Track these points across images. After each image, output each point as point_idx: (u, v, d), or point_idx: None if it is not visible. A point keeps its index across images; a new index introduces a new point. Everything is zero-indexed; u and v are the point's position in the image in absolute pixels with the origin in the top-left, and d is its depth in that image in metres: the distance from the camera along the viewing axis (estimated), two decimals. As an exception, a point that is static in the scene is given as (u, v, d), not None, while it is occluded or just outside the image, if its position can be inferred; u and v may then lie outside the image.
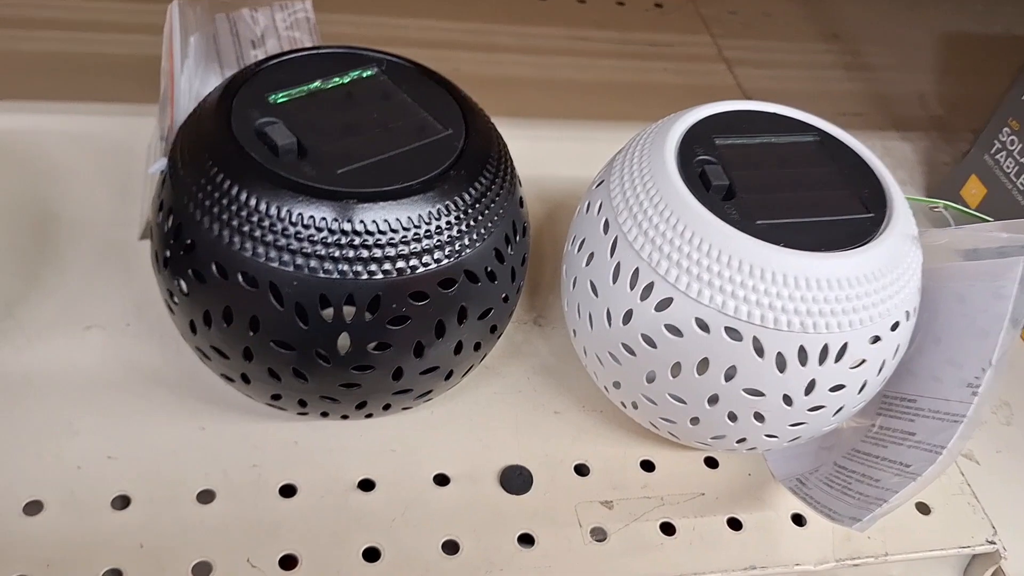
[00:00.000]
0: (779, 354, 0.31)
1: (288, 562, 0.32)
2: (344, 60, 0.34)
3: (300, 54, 0.34)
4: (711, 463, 0.39)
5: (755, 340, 0.31)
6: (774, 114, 0.37)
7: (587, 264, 0.34)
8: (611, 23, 0.64)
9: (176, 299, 0.31)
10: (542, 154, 0.47)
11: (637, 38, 0.63)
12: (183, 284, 0.30)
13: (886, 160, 0.58)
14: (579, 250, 0.35)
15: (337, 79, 0.33)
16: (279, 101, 0.32)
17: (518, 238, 0.33)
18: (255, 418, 0.36)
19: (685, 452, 0.39)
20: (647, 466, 0.38)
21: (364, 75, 0.34)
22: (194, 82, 0.35)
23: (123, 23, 0.54)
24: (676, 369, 0.32)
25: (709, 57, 0.63)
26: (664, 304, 0.32)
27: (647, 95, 0.59)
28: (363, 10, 0.59)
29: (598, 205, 0.35)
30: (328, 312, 0.29)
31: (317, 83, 0.33)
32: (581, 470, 0.37)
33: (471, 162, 0.31)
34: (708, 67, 0.62)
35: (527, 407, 0.39)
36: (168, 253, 0.30)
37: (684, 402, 0.33)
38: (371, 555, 0.33)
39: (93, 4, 0.55)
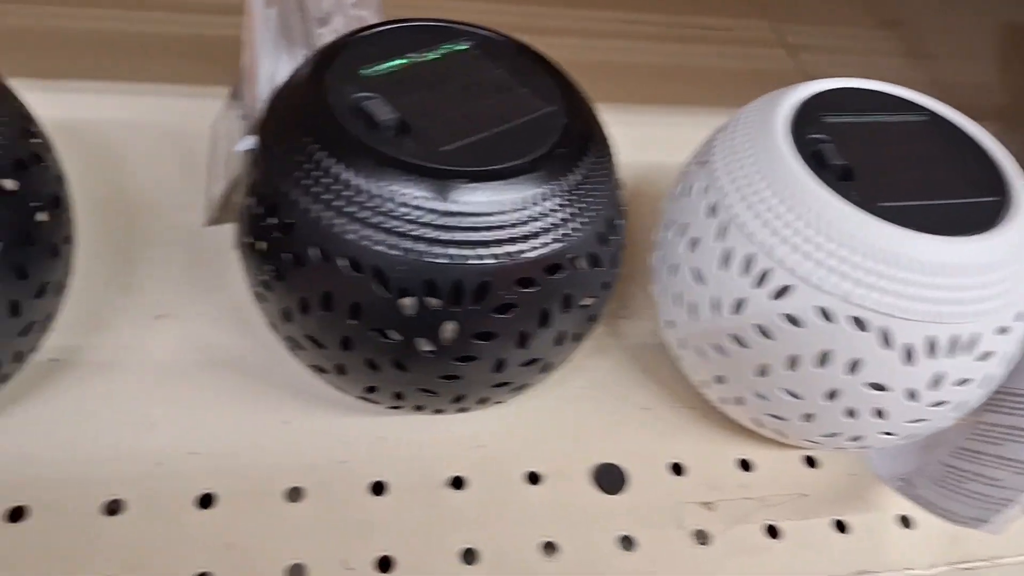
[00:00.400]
0: (907, 345, 0.29)
1: (384, 564, 0.30)
2: (435, 33, 0.32)
3: (389, 26, 0.32)
4: (810, 462, 0.37)
5: (883, 330, 0.29)
6: (880, 92, 0.35)
7: (689, 250, 0.33)
8: (663, 6, 0.62)
9: (269, 285, 0.29)
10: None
11: (693, 21, 0.61)
12: (276, 269, 0.28)
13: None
14: (677, 235, 0.33)
15: (430, 53, 0.31)
16: (373, 75, 0.30)
17: (618, 221, 0.32)
18: (340, 412, 0.34)
19: (783, 450, 0.37)
20: (744, 465, 0.36)
21: (457, 49, 0.32)
22: (271, 59, 0.33)
23: (181, 3, 0.52)
24: (793, 362, 0.31)
25: (768, 42, 0.62)
26: (782, 292, 0.30)
27: (710, 79, 0.57)
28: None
29: (701, 188, 0.33)
30: (434, 299, 0.27)
31: (410, 57, 0.31)
32: (676, 469, 0.36)
33: (575, 140, 0.30)
34: (768, 52, 0.61)
35: (614, 403, 0.37)
36: (262, 237, 0.29)
37: (799, 397, 0.31)
38: (468, 556, 0.31)
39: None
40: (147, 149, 0.43)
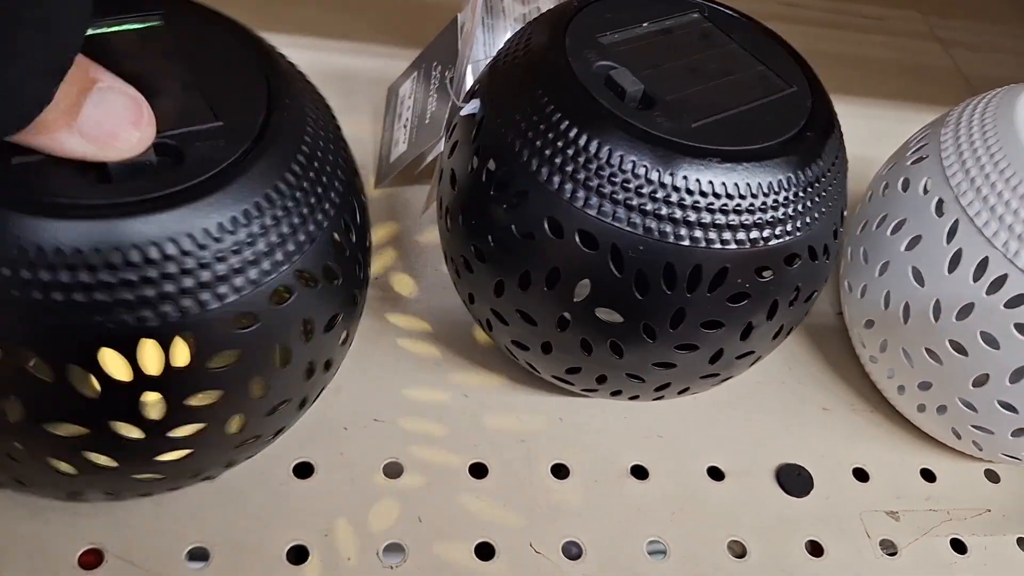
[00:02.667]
0: None
1: (571, 550, 0.29)
2: (663, 2, 0.31)
3: (617, -7, 0.30)
4: (991, 476, 0.35)
5: None
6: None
7: (907, 248, 0.31)
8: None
9: (483, 256, 0.28)
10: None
11: (847, 8, 0.59)
12: (497, 239, 0.27)
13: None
14: (893, 232, 0.32)
15: (663, 20, 0.30)
16: (611, 42, 0.28)
17: (846, 213, 0.30)
18: (516, 387, 0.33)
19: (964, 462, 0.35)
20: (927, 475, 0.35)
21: (688, 19, 0.30)
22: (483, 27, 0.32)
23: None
24: (1019, 374, 0.29)
25: (921, 35, 0.59)
26: (1018, 300, 0.28)
27: (863, 68, 0.55)
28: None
29: (923, 183, 0.31)
30: (670, 282, 0.26)
31: (645, 25, 0.29)
32: (860, 475, 0.34)
33: (821, 124, 0.28)
34: (922, 45, 0.58)
35: (792, 400, 0.36)
36: (485, 204, 0.27)
37: (1016, 411, 0.30)
38: (654, 549, 0.30)
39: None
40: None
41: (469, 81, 0.34)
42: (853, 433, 0.35)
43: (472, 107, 0.28)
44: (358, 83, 0.42)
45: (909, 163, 0.33)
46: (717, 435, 0.34)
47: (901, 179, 0.32)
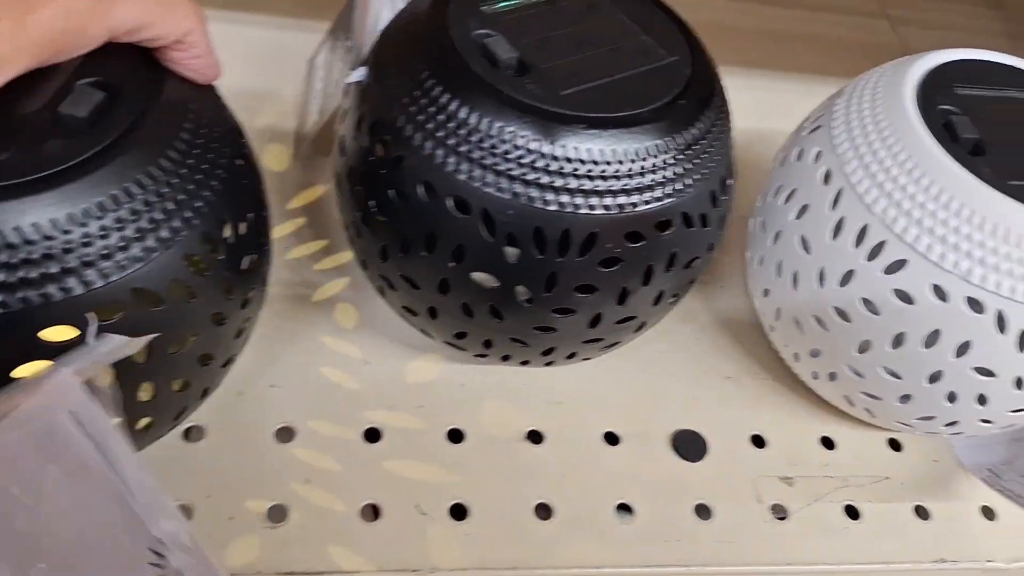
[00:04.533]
0: (1022, 331, 0.28)
1: (458, 511, 0.30)
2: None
3: (509, -36, 0.31)
4: (894, 445, 0.36)
5: (998, 313, 0.28)
6: (1016, 67, 0.33)
7: (797, 217, 0.32)
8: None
9: (368, 221, 0.29)
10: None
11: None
12: (378, 204, 0.28)
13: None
14: (786, 201, 0.32)
15: (552, -7, 0.30)
16: (494, 12, 0.29)
17: (730, 182, 0.31)
18: (418, 353, 0.34)
19: (867, 431, 0.36)
20: (827, 443, 0.35)
21: (576, -8, 0.31)
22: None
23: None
24: (898, 340, 0.29)
25: (871, 12, 0.59)
26: (896, 266, 0.29)
27: (809, 45, 0.55)
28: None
29: (814, 153, 0.32)
30: (540, 247, 0.26)
31: (530, -5, 0.30)
32: (757, 441, 0.35)
33: (698, 93, 0.28)
34: (870, 22, 0.58)
35: (696, 369, 0.37)
36: (367, 170, 0.28)
37: (899, 377, 0.30)
38: (543, 511, 0.31)
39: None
40: (240, 79, 0.42)
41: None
42: (754, 401, 0.36)
43: (359, 74, 0.29)
44: (287, 57, 0.43)
45: (805, 133, 0.33)
46: (617, 402, 0.35)
47: (797, 149, 0.33)
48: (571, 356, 0.32)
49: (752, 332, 0.37)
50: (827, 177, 0.31)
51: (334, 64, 0.35)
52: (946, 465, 0.36)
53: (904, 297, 0.29)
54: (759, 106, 0.48)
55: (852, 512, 0.33)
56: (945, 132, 0.29)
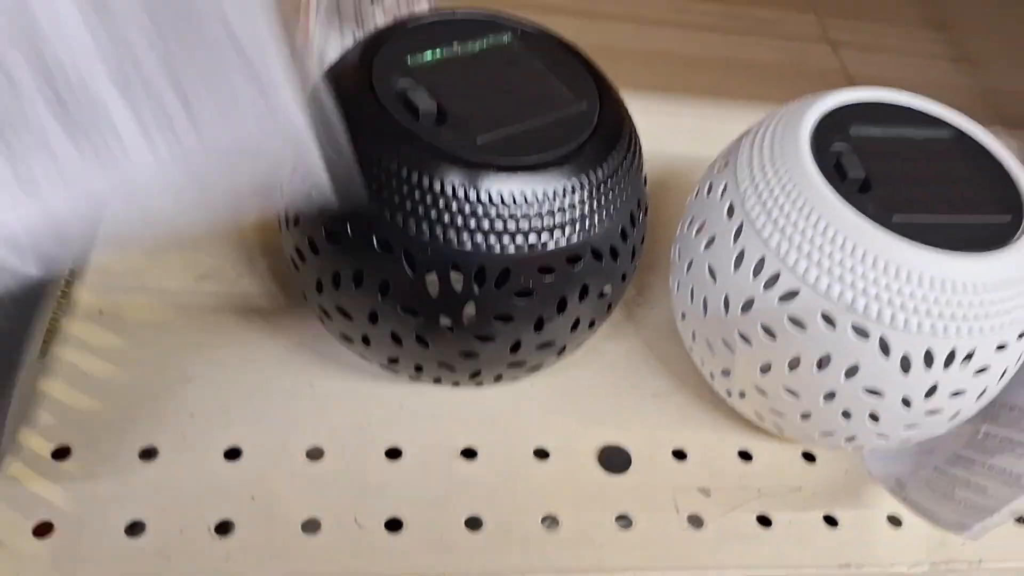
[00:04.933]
0: (904, 355, 0.30)
1: (393, 524, 0.33)
2: (479, 26, 0.34)
3: (436, 18, 0.33)
4: (809, 457, 0.38)
5: (881, 339, 0.30)
6: (909, 107, 0.36)
7: (706, 248, 0.34)
8: (715, -3, 0.63)
9: (303, 257, 0.31)
10: (642, 128, 0.47)
11: (742, 12, 0.62)
12: (311, 242, 0.30)
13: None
14: (697, 233, 0.35)
15: (473, 44, 0.33)
16: (418, 64, 0.31)
17: (641, 217, 0.33)
18: (362, 377, 0.36)
19: (783, 444, 0.38)
20: (745, 456, 0.38)
21: (498, 41, 0.33)
22: (322, 35, 0.34)
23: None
24: (794, 363, 0.32)
25: (814, 37, 0.62)
26: (789, 296, 0.31)
27: (751, 72, 0.57)
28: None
29: (721, 188, 0.34)
30: (457, 281, 0.29)
31: (454, 47, 0.32)
32: (679, 455, 0.37)
33: (604, 138, 0.31)
34: (813, 47, 0.61)
35: (625, 387, 0.39)
36: (300, 211, 0.30)
37: (798, 396, 0.33)
38: (473, 523, 0.33)
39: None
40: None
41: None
42: (678, 417, 0.38)
43: (294, 123, 0.31)
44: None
45: (716, 169, 0.36)
46: (549, 419, 0.37)
47: (708, 183, 0.35)
48: (498, 378, 0.34)
49: (677, 351, 0.40)
50: (731, 211, 0.33)
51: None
52: (856, 476, 0.38)
53: (798, 324, 0.31)
54: (700, 132, 0.51)
55: (765, 521, 0.36)
56: (835, 171, 0.32)
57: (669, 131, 0.50)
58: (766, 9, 0.63)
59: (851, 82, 0.59)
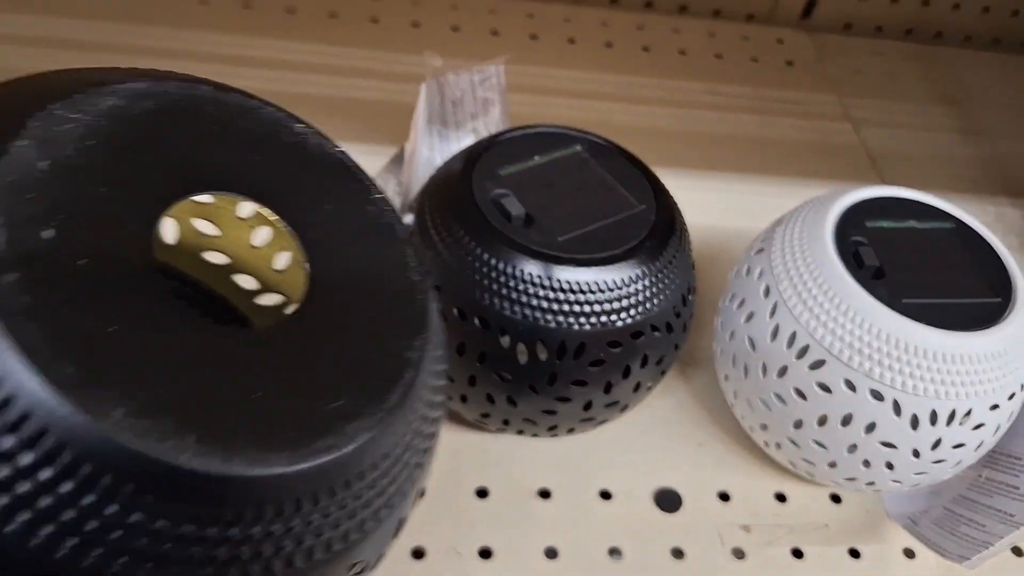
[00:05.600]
0: (914, 415, 0.36)
1: (485, 553, 0.39)
2: (554, 139, 0.40)
3: (519, 132, 0.40)
4: (835, 499, 0.44)
5: (895, 401, 0.36)
6: (917, 201, 0.42)
7: (746, 321, 0.40)
8: (746, 79, 0.70)
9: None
10: (685, 201, 0.53)
11: (769, 95, 0.69)
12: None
13: (998, 226, 0.63)
14: (738, 307, 0.41)
15: (551, 155, 0.40)
16: (508, 173, 0.38)
17: (690, 297, 0.40)
18: (456, 429, 0.43)
19: (813, 487, 0.44)
20: (780, 498, 0.44)
21: (571, 151, 0.40)
22: (428, 146, 0.41)
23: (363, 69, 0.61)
24: (822, 420, 0.38)
25: (835, 116, 0.68)
26: (817, 364, 0.37)
27: (779, 150, 0.64)
28: (523, 61, 0.65)
29: (759, 271, 0.41)
30: (542, 353, 0.35)
31: (536, 158, 0.39)
32: (723, 496, 0.43)
33: (660, 234, 0.38)
34: (834, 125, 0.68)
35: (676, 438, 0.45)
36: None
37: (826, 448, 0.39)
38: (551, 553, 0.40)
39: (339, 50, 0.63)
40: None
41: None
42: (722, 464, 0.45)
43: (407, 220, 0.38)
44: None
45: (753, 253, 0.42)
46: (611, 465, 0.43)
47: (747, 266, 0.42)
48: (571, 431, 0.40)
49: (720, 406, 0.46)
50: (767, 291, 0.40)
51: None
52: (876, 515, 0.44)
53: (824, 388, 0.37)
54: (738, 205, 0.58)
55: (797, 553, 0.42)
56: (853, 260, 0.38)
57: (708, 204, 0.57)
58: (792, 91, 0.69)
59: (870, 156, 0.65)
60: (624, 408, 0.40)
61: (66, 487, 0.19)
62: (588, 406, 0.38)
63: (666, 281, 0.37)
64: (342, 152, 0.29)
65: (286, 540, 0.22)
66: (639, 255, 0.36)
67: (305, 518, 0.22)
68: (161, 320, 0.21)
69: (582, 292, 0.35)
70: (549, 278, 0.35)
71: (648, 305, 0.37)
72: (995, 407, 0.37)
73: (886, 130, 0.68)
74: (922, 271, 0.39)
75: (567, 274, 0.35)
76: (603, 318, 0.36)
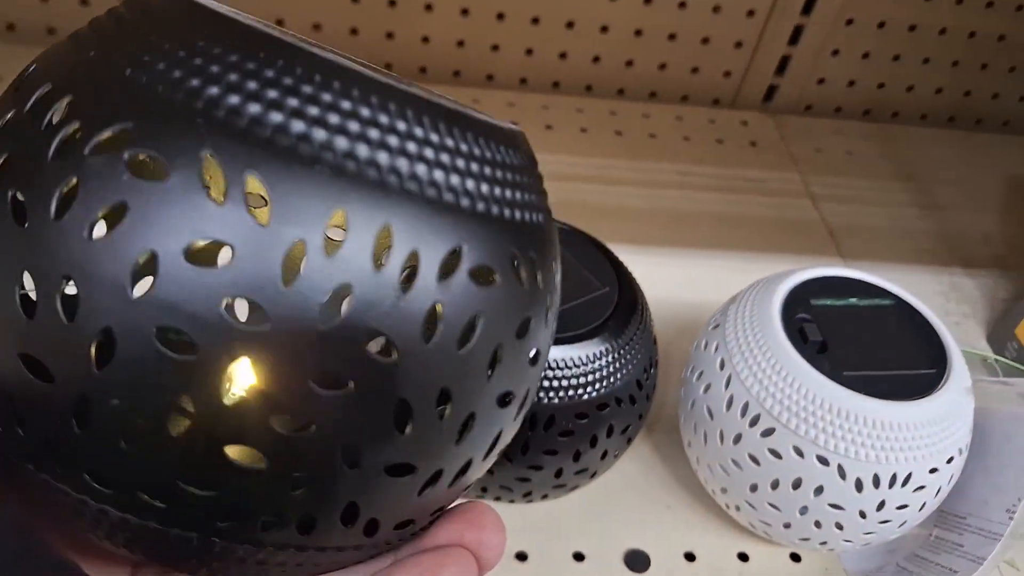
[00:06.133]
0: (858, 479, 0.40)
1: (465, 613, 0.42)
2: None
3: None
4: (795, 557, 0.47)
5: (839, 466, 0.40)
6: (859, 280, 0.46)
7: (704, 391, 0.44)
8: (711, 159, 0.74)
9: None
10: (651, 277, 0.57)
11: (734, 174, 0.73)
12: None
13: (952, 294, 0.67)
14: (697, 378, 0.45)
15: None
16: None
17: (652, 370, 0.43)
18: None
19: (774, 547, 0.47)
20: (743, 557, 0.47)
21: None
22: None
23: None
24: (775, 484, 0.41)
25: (796, 192, 0.73)
26: (768, 432, 0.41)
27: (743, 226, 0.68)
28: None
29: (715, 345, 0.44)
30: (516, 425, 0.39)
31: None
32: (689, 556, 0.46)
33: (623, 314, 0.41)
34: (796, 202, 0.72)
35: (644, 501, 0.48)
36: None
37: (779, 510, 0.42)
38: (527, 613, 0.42)
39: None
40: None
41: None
42: (687, 524, 0.47)
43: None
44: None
45: (711, 328, 0.46)
46: (583, 528, 0.46)
47: (704, 340, 0.45)
48: (544, 496, 0.44)
49: (686, 471, 0.49)
50: (722, 364, 0.43)
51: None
52: (835, 573, 0.47)
53: (775, 454, 0.41)
54: (704, 279, 0.61)
55: (760, 610, 0.45)
56: (799, 336, 0.42)
57: (676, 278, 0.60)
58: (755, 170, 0.74)
59: (830, 231, 0.70)
60: (593, 475, 0.43)
61: None
62: (559, 473, 0.41)
63: (628, 356, 0.41)
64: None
65: None
66: (603, 333, 0.40)
67: None
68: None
69: (550, 368, 0.39)
70: (520, 356, 0.38)
71: (612, 379, 0.40)
72: (934, 470, 0.40)
73: (845, 205, 0.73)
74: (863, 345, 0.43)
75: (537, 352, 0.39)
76: (571, 392, 0.39)
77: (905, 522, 0.42)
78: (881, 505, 0.40)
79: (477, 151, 0.21)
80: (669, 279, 0.61)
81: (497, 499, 0.44)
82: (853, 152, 0.80)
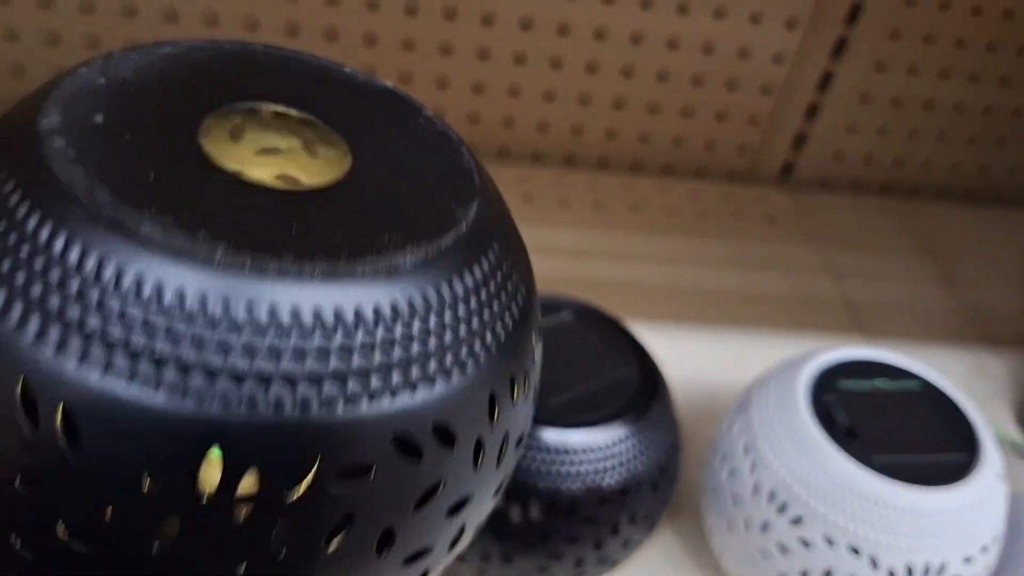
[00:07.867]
0: (890, 568, 0.38)
1: None
2: (546, 306, 0.44)
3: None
4: (825, 650, 0.45)
5: (871, 556, 0.38)
6: (885, 362, 0.45)
7: (728, 477, 0.43)
8: (728, 235, 0.74)
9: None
10: (670, 355, 0.56)
11: (751, 250, 0.73)
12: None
13: (977, 374, 0.66)
14: (720, 463, 0.43)
15: (545, 322, 0.43)
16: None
17: (676, 454, 0.42)
18: (451, 583, 0.44)
19: (802, 639, 0.45)
20: (770, 649, 0.45)
21: (557, 320, 0.43)
22: None
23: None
24: (804, 572, 0.40)
25: (815, 269, 0.72)
26: (797, 519, 0.39)
27: (762, 303, 0.67)
28: (517, 221, 0.69)
29: (738, 428, 0.43)
30: (536, 512, 0.38)
31: (527, 326, 0.42)
32: (714, 647, 0.44)
33: (645, 396, 0.40)
34: (814, 279, 0.71)
35: (667, 588, 0.47)
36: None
37: (809, 600, 0.40)
38: None
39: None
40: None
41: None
42: (712, 615, 0.46)
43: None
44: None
45: (734, 411, 0.45)
46: (604, 618, 0.45)
47: (728, 422, 0.44)
48: (564, 586, 0.42)
49: (708, 558, 0.47)
50: (746, 449, 0.42)
51: None
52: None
53: (805, 543, 0.39)
54: (724, 358, 0.60)
55: None
56: (826, 419, 0.41)
57: (695, 358, 0.60)
58: (772, 246, 0.73)
59: (849, 308, 0.69)
60: (615, 563, 0.42)
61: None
62: (579, 562, 0.40)
63: (652, 440, 0.40)
64: (393, 86, 0.29)
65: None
66: (624, 417, 0.39)
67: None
68: (201, 176, 0.22)
69: (571, 453, 0.38)
70: (538, 440, 0.37)
71: (635, 464, 0.39)
72: (968, 559, 0.39)
73: (865, 282, 0.72)
74: (892, 429, 0.41)
75: (555, 436, 0.38)
76: (591, 478, 0.38)
77: (941, 615, 0.40)
78: (916, 597, 0.39)
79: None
80: (688, 357, 0.60)
81: (515, 588, 0.42)
82: (872, 228, 0.79)
